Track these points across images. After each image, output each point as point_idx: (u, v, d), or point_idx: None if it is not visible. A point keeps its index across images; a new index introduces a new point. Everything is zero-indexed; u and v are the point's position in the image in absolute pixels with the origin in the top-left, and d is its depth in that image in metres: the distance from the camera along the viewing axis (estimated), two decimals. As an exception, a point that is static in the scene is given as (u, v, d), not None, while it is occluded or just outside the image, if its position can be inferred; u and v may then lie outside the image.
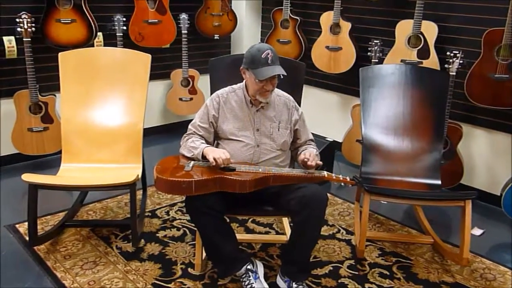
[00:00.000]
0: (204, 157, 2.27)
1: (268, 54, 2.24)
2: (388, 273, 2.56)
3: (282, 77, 2.27)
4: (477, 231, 3.05)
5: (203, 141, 2.39)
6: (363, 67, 3.03)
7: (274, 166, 2.38)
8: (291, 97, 2.51)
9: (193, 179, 2.11)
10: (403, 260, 2.69)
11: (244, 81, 2.41)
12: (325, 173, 2.28)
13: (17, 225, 2.84)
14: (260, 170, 2.23)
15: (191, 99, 4.42)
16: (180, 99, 4.41)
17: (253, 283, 2.25)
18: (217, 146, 2.46)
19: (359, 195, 3.14)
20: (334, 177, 2.27)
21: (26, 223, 2.59)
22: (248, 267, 2.29)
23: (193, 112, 3.89)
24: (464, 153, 3.43)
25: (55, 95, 3.54)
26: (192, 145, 2.34)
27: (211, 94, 2.52)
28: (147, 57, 2.96)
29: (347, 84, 4.13)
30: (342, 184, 2.30)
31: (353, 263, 2.64)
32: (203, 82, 4.25)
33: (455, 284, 2.50)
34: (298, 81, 2.74)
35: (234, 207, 2.31)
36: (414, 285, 2.47)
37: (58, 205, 3.08)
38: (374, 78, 2.98)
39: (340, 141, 3.95)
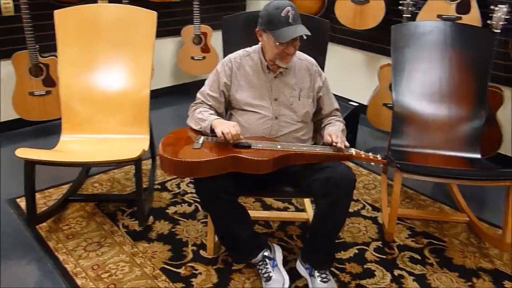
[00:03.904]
0: (213, 131, 2.00)
1: (289, 11, 1.92)
2: (419, 258, 2.32)
3: (305, 37, 1.95)
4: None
5: (212, 112, 2.12)
6: (395, 25, 2.68)
7: (295, 140, 2.12)
8: (314, 61, 2.20)
9: (202, 159, 1.85)
10: (435, 242, 2.45)
11: (259, 43, 2.11)
12: (353, 150, 1.99)
13: (18, 200, 2.65)
14: (279, 147, 1.96)
15: (204, 57, 4.11)
16: (192, 58, 4.10)
17: (270, 271, 2.03)
18: (230, 118, 2.19)
19: (386, 167, 2.86)
20: (363, 156, 1.99)
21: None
22: (265, 253, 2.07)
23: (207, 72, 3.61)
24: (503, 120, 3.10)
25: (56, 56, 3.26)
26: (200, 116, 2.08)
27: (224, 57, 2.23)
28: (153, 15, 2.65)
29: (375, 41, 3.76)
30: (372, 163, 2.02)
31: (381, 245, 2.40)
32: (216, 39, 3.89)
33: (495, 271, 2.25)
34: (322, 42, 2.41)
35: (249, 188, 2.05)
36: (449, 272, 2.23)
37: (63, 175, 2.87)
38: (408, 37, 2.63)
39: (365, 103, 3.63)
